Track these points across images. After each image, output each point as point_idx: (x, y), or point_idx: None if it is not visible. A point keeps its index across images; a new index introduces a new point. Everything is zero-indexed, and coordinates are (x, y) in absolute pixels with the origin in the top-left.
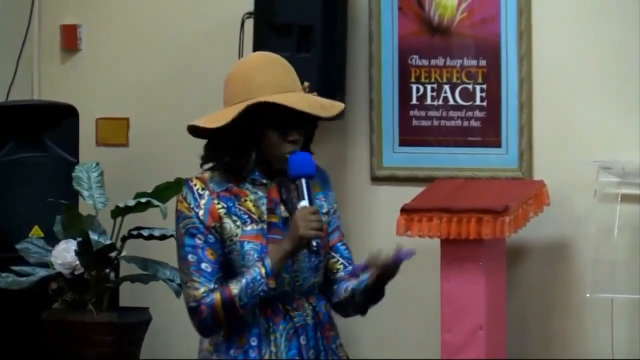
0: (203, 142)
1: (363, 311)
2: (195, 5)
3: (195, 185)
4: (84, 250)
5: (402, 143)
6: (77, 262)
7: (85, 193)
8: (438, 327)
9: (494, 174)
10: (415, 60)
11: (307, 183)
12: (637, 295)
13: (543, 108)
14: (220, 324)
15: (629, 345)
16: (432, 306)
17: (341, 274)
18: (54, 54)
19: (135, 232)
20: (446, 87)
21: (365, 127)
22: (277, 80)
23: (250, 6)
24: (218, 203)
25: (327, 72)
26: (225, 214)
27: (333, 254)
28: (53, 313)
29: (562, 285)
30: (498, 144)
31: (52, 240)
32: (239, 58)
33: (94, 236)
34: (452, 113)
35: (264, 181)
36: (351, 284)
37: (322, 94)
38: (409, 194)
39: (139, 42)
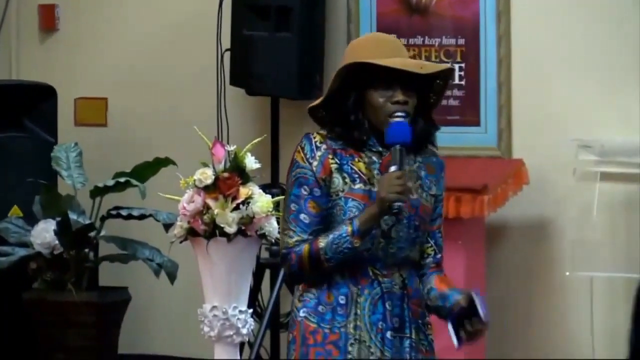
0: (182, 123)
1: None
2: None
3: (315, 137)
4: (63, 230)
5: None
6: (57, 242)
7: (64, 173)
8: None
9: (472, 153)
10: None
11: (400, 150)
12: (617, 274)
13: (522, 87)
14: (305, 273)
15: (608, 323)
16: None
17: (430, 259)
18: (32, 34)
19: (114, 212)
20: None
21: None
22: (378, 49)
23: None
24: (332, 158)
25: (305, 52)
26: (336, 169)
27: (429, 239)
28: (33, 292)
29: (541, 264)
30: (477, 123)
31: (31, 220)
32: (217, 38)
33: (73, 216)
34: None
35: (380, 149)
36: (440, 293)
37: (300, 74)
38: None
39: (117, 22)
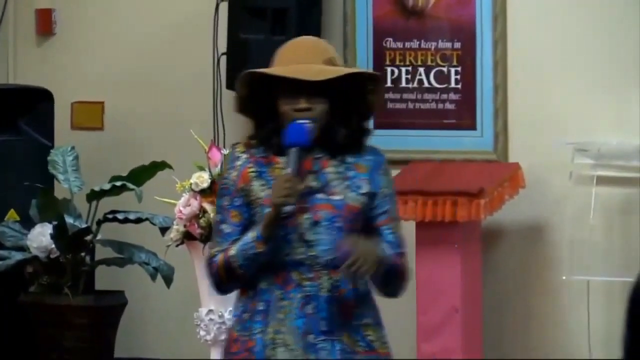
0: (179, 126)
1: (386, 294)
2: None
3: (237, 148)
4: (60, 233)
5: (377, 126)
6: (53, 246)
7: (61, 177)
8: (414, 309)
9: (469, 157)
10: (389, 42)
11: (295, 152)
12: (613, 278)
13: (518, 91)
14: (223, 282)
15: (605, 327)
16: (408, 289)
17: None
18: (29, 38)
19: (110, 216)
20: (421, 69)
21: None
22: (289, 56)
23: None
24: (251, 166)
25: None
26: (255, 176)
27: (378, 235)
28: (29, 296)
29: (538, 267)
30: (473, 127)
31: (28, 223)
32: (214, 41)
33: (69, 220)
34: (426, 96)
35: None
36: None
37: None
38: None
39: (114, 26)
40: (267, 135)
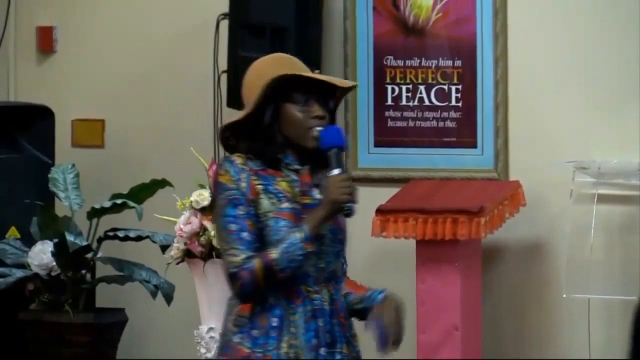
0: (178, 144)
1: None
2: (170, 6)
3: (236, 160)
4: (60, 251)
5: (378, 144)
6: (54, 263)
7: (61, 194)
8: (413, 328)
9: (469, 175)
10: (390, 60)
11: (337, 154)
12: (614, 296)
13: (519, 109)
14: (260, 289)
15: (605, 346)
16: (408, 307)
17: (343, 270)
18: (30, 55)
19: (111, 233)
20: (421, 87)
21: (341, 127)
22: (288, 66)
23: (225, 7)
24: (256, 179)
25: None
26: (262, 190)
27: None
28: (29, 314)
29: (538, 286)
30: (474, 145)
31: (28, 241)
32: (214, 59)
33: (70, 237)
34: (427, 114)
35: (297, 167)
36: (355, 296)
37: None
38: (385, 194)
39: (114, 44)
40: (269, 149)
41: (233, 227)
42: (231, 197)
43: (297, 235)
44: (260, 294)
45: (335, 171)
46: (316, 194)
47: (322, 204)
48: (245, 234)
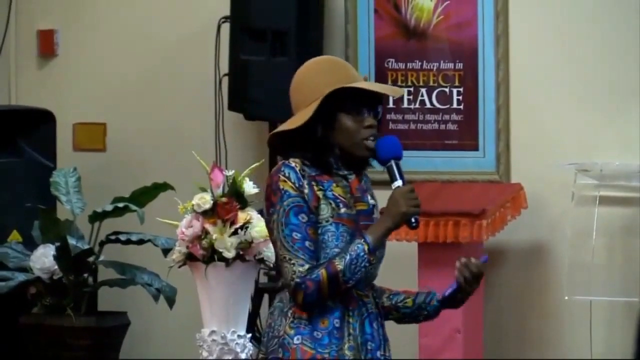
0: (179, 148)
1: (425, 319)
2: (172, 10)
3: (296, 166)
4: (62, 255)
5: None
6: (56, 267)
7: (63, 198)
8: (415, 331)
9: (471, 178)
10: (391, 63)
11: (397, 164)
12: (616, 298)
13: (520, 111)
14: (324, 298)
15: (607, 348)
16: None
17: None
18: (31, 59)
19: (113, 237)
20: (423, 90)
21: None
22: (342, 73)
23: (226, 11)
24: (316, 185)
25: None
26: (323, 196)
27: None
28: (31, 317)
29: (540, 288)
30: (475, 148)
31: (30, 245)
32: (216, 63)
33: (72, 241)
34: (429, 116)
35: (345, 173)
36: (405, 296)
37: None
38: (386, 197)
39: (115, 48)
40: (325, 153)
41: (296, 235)
42: (293, 205)
43: (363, 247)
44: (323, 302)
45: (399, 182)
46: (370, 199)
47: (387, 215)
48: (308, 243)
